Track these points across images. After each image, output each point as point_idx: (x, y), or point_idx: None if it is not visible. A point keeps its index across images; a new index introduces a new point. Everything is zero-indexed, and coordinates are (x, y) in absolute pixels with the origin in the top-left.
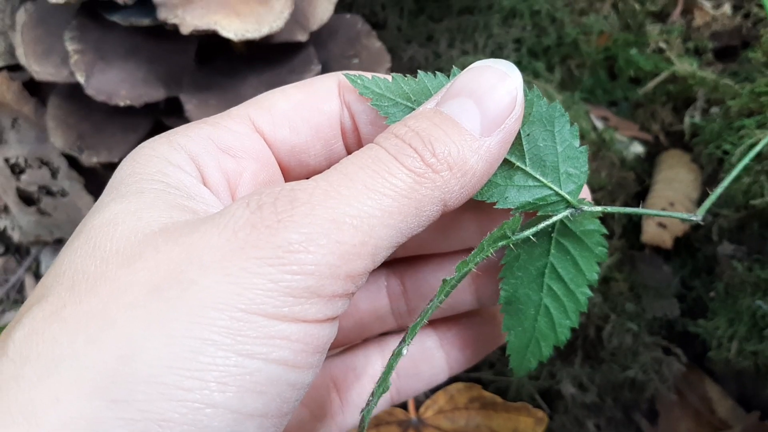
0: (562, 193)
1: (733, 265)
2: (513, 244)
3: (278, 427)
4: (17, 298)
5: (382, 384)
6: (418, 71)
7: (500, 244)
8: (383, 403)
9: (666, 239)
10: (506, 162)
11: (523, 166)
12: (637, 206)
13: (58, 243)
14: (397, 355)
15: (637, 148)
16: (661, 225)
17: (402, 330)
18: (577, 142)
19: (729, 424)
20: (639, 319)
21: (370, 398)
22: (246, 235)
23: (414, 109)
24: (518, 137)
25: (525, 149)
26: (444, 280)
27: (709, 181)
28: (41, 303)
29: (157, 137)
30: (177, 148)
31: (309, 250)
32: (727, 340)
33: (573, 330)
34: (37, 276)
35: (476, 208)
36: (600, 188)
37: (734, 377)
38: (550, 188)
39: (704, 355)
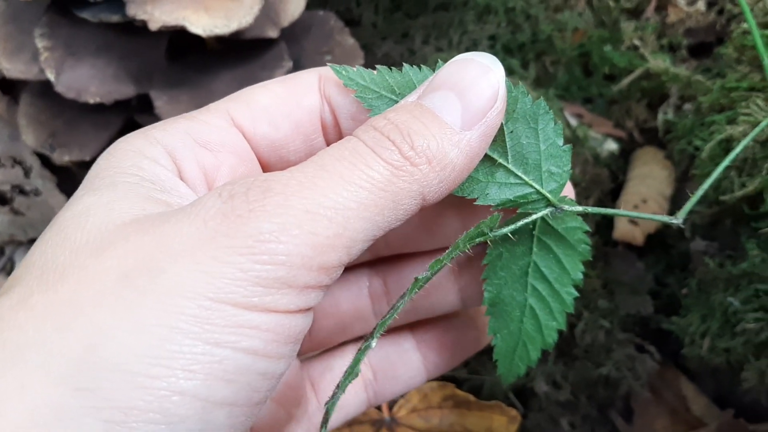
0: (544, 191)
1: (706, 261)
2: (494, 242)
3: (249, 417)
4: None
5: (350, 374)
6: (404, 64)
7: (477, 240)
8: (360, 405)
9: (637, 236)
10: (488, 158)
11: (505, 163)
12: (612, 203)
13: (33, 242)
14: (365, 348)
15: (611, 145)
16: (633, 222)
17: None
18: (560, 141)
19: (704, 421)
20: (612, 316)
21: (336, 389)
22: (217, 224)
23: (397, 102)
24: (501, 134)
25: (508, 146)
26: (416, 278)
27: (683, 177)
28: (9, 293)
29: (134, 132)
30: (153, 142)
31: (281, 240)
32: (700, 336)
33: (560, 332)
34: None
35: (459, 205)
36: (574, 185)
37: (710, 375)
38: (532, 186)
39: (679, 353)
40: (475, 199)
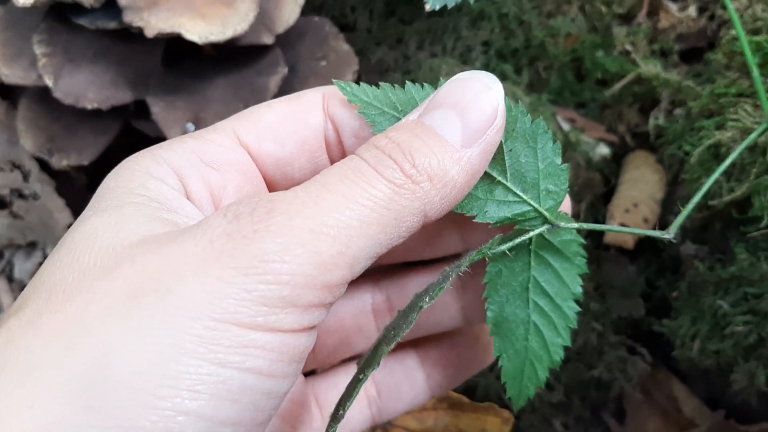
0: (541, 209)
1: (696, 264)
2: (492, 259)
3: None
4: None
5: (352, 397)
6: (407, 82)
7: (476, 257)
8: (364, 422)
9: (628, 240)
10: (488, 176)
11: (504, 181)
12: (604, 206)
13: (31, 246)
14: (371, 368)
15: (604, 150)
16: (623, 226)
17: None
18: (559, 160)
19: (695, 422)
20: (604, 318)
21: (338, 411)
22: (222, 244)
23: (400, 119)
24: (501, 152)
25: (507, 164)
26: (419, 306)
27: (674, 181)
28: (18, 313)
29: (141, 151)
30: (160, 161)
31: (285, 260)
32: (690, 339)
33: (565, 348)
34: (11, 279)
35: (457, 217)
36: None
37: (701, 376)
38: (530, 204)
39: (670, 355)
40: (474, 217)
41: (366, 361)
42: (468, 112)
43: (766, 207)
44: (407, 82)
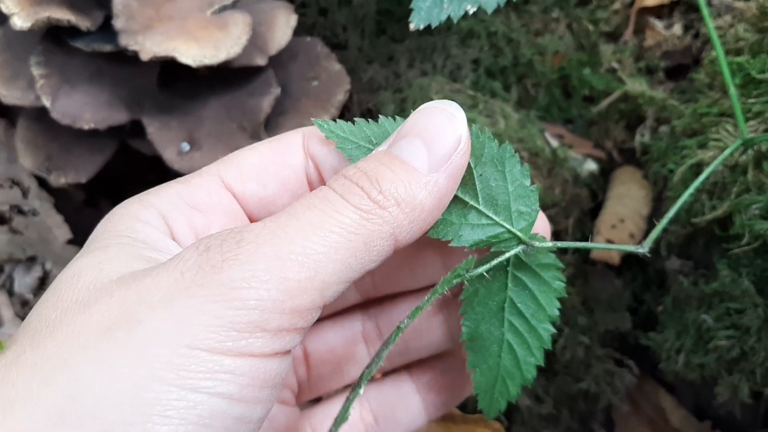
0: (514, 230)
1: (680, 279)
2: (470, 280)
3: None
4: None
5: (341, 419)
6: (380, 116)
7: (455, 281)
8: None
9: (614, 256)
10: (460, 201)
11: (476, 205)
12: (591, 222)
13: (31, 260)
14: (354, 395)
15: (591, 165)
16: (610, 242)
17: (382, 373)
18: (527, 182)
19: None
20: (591, 332)
21: None
22: (192, 275)
23: None
24: (471, 178)
25: (478, 189)
26: (398, 327)
27: (659, 197)
28: (4, 352)
29: (131, 198)
30: (147, 206)
31: (252, 286)
32: (675, 352)
33: (538, 368)
34: (11, 293)
35: (438, 244)
36: (554, 205)
37: (688, 387)
38: (503, 226)
39: (657, 366)
40: (449, 242)
41: (353, 387)
42: (433, 139)
43: (747, 225)
44: (380, 116)
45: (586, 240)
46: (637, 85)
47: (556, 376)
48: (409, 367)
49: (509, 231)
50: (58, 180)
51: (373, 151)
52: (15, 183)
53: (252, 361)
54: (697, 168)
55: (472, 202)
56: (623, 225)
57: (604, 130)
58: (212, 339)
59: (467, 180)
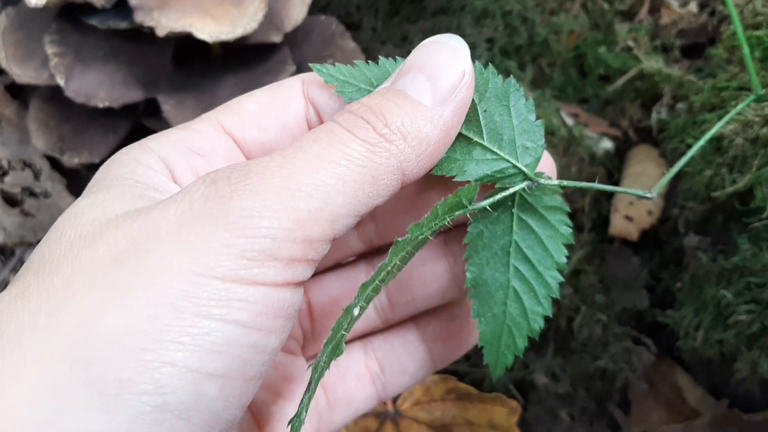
0: (519, 165)
1: (699, 256)
2: (474, 220)
3: (243, 392)
4: None
5: (336, 349)
6: (380, 57)
7: (457, 213)
8: (369, 400)
9: (632, 232)
10: (465, 138)
11: (481, 141)
12: (607, 201)
13: None
14: (347, 315)
15: (607, 144)
16: (628, 218)
17: (386, 326)
18: (532, 116)
19: (699, 411)
20: (609, 310)
21: (321, 361)
22: (201, 205)
23: None
24: (475, 114)
25: (482, 125)
26: (396, 241)
27: (676, 174)
28: (8, 288)
29: (131, 144)
30: (147, 150)
31: (263, 215)
32: (694, 329)
33: (546, 319)
34: None
35: (443, 189)
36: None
37: (704, 366)
38: (508, 161)
39: (674, 345)
40: (454, 177)
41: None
42: (436, 73)
43: None
44: (380, 57)
45: (604, 218)
46: (653, 63)
47: (573, 355)
48: (414, 318)
49: (514, 166)
50: (71, 160)
51: (377, 88)
52: (27, 165)
53: (265, 290)
54: (717, 142)
55: (476, 138)
56: (641, 202)
57: (620, 109)
58: (224, 267)
59: (471, 116)
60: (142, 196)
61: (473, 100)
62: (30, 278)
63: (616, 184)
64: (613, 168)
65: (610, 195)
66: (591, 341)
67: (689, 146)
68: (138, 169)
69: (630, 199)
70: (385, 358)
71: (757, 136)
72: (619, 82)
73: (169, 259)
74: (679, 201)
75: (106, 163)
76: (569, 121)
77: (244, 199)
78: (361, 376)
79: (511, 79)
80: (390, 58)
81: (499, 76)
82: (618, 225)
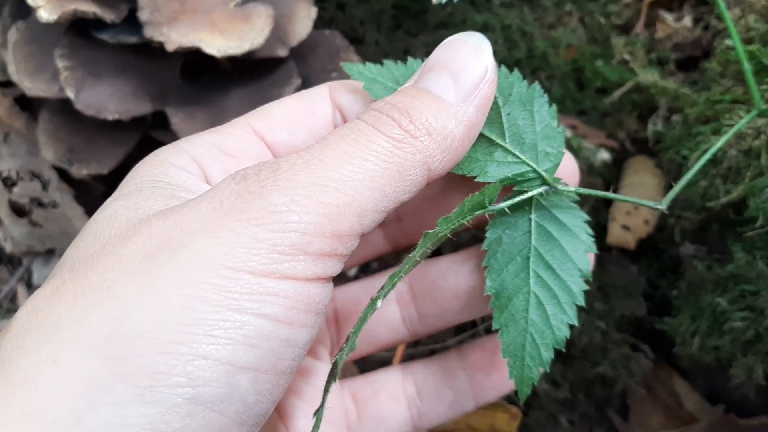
0: (539, 170)
1: (695, 264)
2: (492, 226)
3: (275, 386)
4: (10, 307)
5: (352, 337)
6: (408, 57)
7: (477, 213)
8: (402, 424)
9: (630, 241)
10: (487, 139)
11: (503, 143)
12: (605, 210)
13: (50, 253)
14: (371, 305)
15: (604, 155)
16: (625, 227)
17: (415, 339)
18: (555, 122)
19: (696, 417)
20: (608, 317)
21: (344, 345)
22: (232, 202)
23: None
24: (498, 116)
25: (505, 127)
26: (425, 233)
27: (671, 185)
28: (44, 285)
29: (164, 146)
30: (180, 152)
31: (293, 210)
32: (690, 336)
33: (571, 327)
34: (30, 285)
35: (467, 189)
36: None
37: (701, 372)
38: (528, 165)
39: (672, 351)
40: (475, 177)
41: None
42: (459, 70)
43: (761, 208)
44: (408, 57)
45: (602, 227)
46: (649, 76)
47: (573, 361)
48: (459, 348)
49: (534, 170)
50: (80, 171)
51: (401, 87)
52: (35, 175)
53: (295, 284)
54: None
55: (498, 140)
56: (638, 212)
57: (617, 121)
58: (256, 261)
59: (494, 118)
60: (174, 196)
61: (497, 102)
62: (65, 275)
63: (614, 193)
64: (611, 178)
65: (609, 205)
66: (591, 348)
67: (685, 158)
68: (169, 170)
69: (627, 209)
70: (424, 382)
71: (750, 147)
72: (616, 94)
73: (202, 254)
74: (675, 211)
75: (137, 165)
76: (568, 133)
77: (273, 194)
78: (395, 396)
79: (536, 85)
80: (417, 59)
81: (525, 80)
82: (616, 234)
